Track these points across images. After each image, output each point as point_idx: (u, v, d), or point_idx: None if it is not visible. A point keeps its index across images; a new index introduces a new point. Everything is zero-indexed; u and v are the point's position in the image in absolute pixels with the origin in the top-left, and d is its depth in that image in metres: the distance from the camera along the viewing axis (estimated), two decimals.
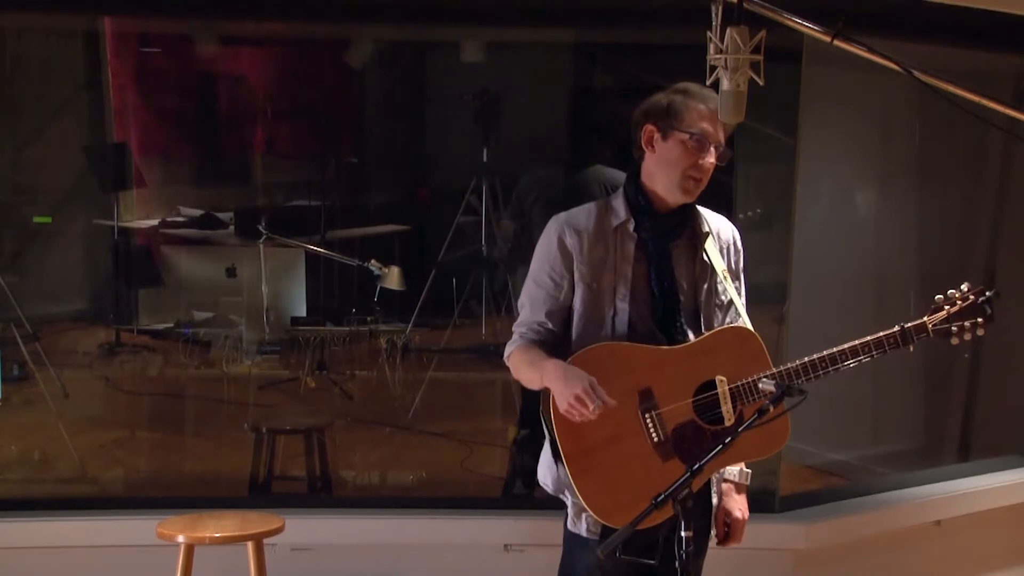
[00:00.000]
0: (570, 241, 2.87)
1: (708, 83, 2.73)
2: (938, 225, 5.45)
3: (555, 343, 2.89)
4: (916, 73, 2.59)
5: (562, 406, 2.69)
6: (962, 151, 5.31)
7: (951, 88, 2.61)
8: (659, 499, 2.45)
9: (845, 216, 5.59)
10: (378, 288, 5.90)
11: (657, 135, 2.86)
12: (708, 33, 2.70)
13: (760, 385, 2.72)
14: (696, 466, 2.48)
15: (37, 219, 6.39)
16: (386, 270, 5.77)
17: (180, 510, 3.92)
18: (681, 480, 2.46)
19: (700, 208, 2.96)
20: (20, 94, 6.20)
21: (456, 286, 6.18)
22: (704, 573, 3.00)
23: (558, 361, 2.76)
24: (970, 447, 5.48)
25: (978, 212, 5.46)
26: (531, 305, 2.92)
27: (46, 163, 6.50)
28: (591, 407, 2.63)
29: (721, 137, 2.84)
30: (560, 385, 2.70)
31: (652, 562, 2.77)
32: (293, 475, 5.01)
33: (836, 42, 2.61)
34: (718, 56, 2.68)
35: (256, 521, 3.78)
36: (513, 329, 2.95)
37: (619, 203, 2.90)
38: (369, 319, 6.23)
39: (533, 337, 2.89)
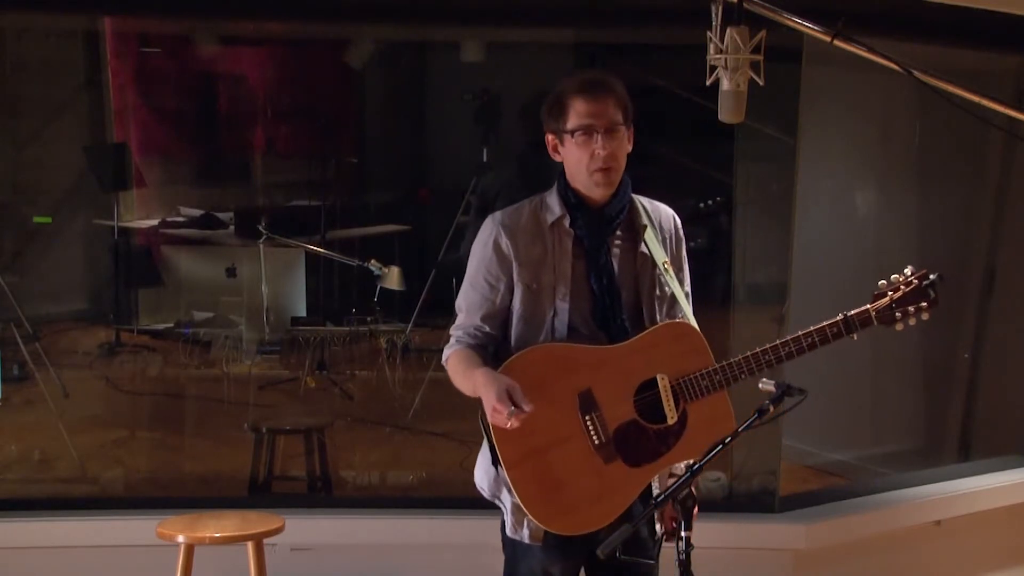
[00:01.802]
0: (505, 242, 2.82)
1: (708, 83, 2.73)
2: (938, 225, 5.45)
3: (493, 346, 2.85)
4: (916, 73, 2.60)
5: (490, 417, 2.66)
6: (962, 151, 5.31)
7: (951, 88, 2.62)
8: (659, 499, 2.46)
9: (845, 216, 5.60)
10: (378, 288, 5.89)
11: (556, 141, 2.83)
12: (708, 33, 2.71)
13: (760, 385, 2.71)
14: (696, 466, 2.48)
15: (37, 219, 6.38)
16: (386, 270, 5.77)
17: (180, 510, 3.92)
18: (681, 480, 2.46)
19: (639, 198, 2.90)
20: (20, 94, 6.19)
21: (456, 286, 6.17)
22: (704, 573, 3.00)
23: (486, 370, 2.70)
24: (970, 447, 5.48)
25: (978, 212, 5.46)
26: (467, 308, 2.87)
27: (46, 163, 6.49)
28: (505, 415, 2.58)
29: (611, 117, 2.75)
30: (483, 394, 2.67)
31: (652, 561, 2.78)
32: (293, 475, 5.00)
33: (836, 42, 2.61)
34: (718, 56, 2.69)
35: (256, 521, 3.78)
36: (450, 332, 2.89)
37: (553, 199, 2.85)
38: (369, 319, 6.22)
39: (469, 342, 2.83)
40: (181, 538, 3.65)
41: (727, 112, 2.74)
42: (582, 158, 2.76)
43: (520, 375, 2.69)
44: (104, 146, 6.77)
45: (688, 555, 2.49)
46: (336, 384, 6.07)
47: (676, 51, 4.48)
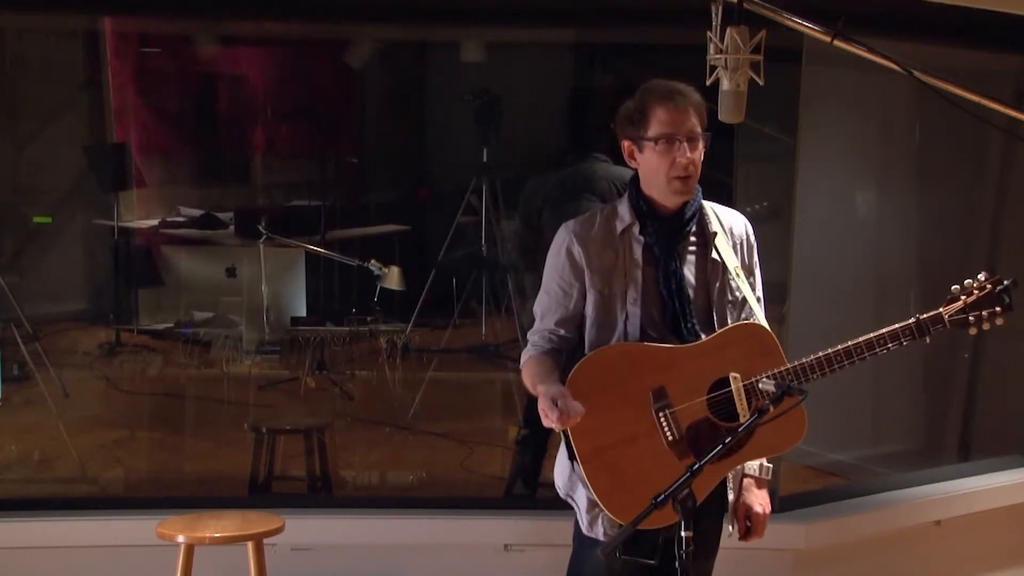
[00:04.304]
0: (577, 250, 2.89)
1: (708, 83, 2.74)
2: (938, 225, 5.45)
3: (569, 349, 2.92)
4: (916, 73, 2.60)
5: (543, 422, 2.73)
6: (962, 151, 5.31)
7: (951, 88, 2.62)
8: (659, 499, 2.45)
9: (845, 216, 5.59)
10: (378, 288, 5.89)
11: (634, 148, 2.87)
12: (708, 33, 2.71)
13: (760, 385, 2.73)
14: (696, 466, 2.48)
15: (37, 219, 6.39)
16: (386, 270, 5.77)
17: (180, 510, 3.92)
18: (680, 480, 2.46)
19: (710, 204, 2.95)
20: (20, 94, 6.20)
21: (456, 286, 6.19)
22: None
23: (548, 387, 2.75)
24: (970, 447, 5.48)
25: (978, 212, 5.46)
26: (542, 313, 2.96)
27: (46, 163, 6.50)
28: (553, 418, 2.65)
29: (692, 125, 2.80)
30: (539, 400, 2.75)
31: (652, 562, 2.78)
32: (293, 475, 5.01)
33: (836, 42, 2.62)
34: (718, 56, 2.69)
35: (256, 521, 3.78)
36: (528, 337, 2.98)
37: (624, 208, 2.92)
38: (369, 319, 6.23)
39: (545, 346, 2.92)
40: (181, 538, 3.65)
41: (727, 112, 2.75)
42: (661, 165, 2.81)
43: (594, 372, 2.78)
44: (104, 146, 6.78)
45: (688, 555, 2.49)
46: (336, 384, 6.07)
47: (676, 51, 4.48)
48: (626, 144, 2.88)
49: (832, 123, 5.20)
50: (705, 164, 2.87)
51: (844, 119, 5.33)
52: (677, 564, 2.50)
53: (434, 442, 5.64)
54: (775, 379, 2.75)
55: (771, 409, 2.48)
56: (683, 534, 2.48)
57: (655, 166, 2.82)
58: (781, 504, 4.47)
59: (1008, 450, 5.24)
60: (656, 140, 2.80)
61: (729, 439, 2.51)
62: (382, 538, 4.37)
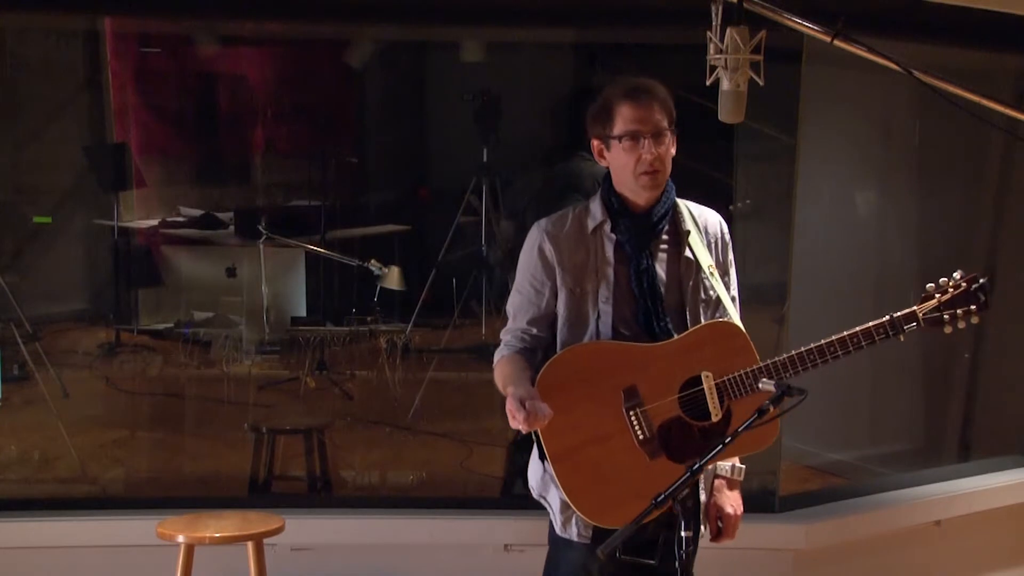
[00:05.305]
0: (549, 249, 2.88)
1: (708, 83, 2.74)
2: (938, 225, 5.45)
3: (542, 348, 2.91)
4: (916, 73, 2.60)
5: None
6: (962, 151, 5.31)
7: (951, 88, 2.62)
8: (660, 499, 2.45)
9: (845, 216, 5.60)
10: (378, 288, 5.89)
11: (602, 147, 2.87)
12: (708, 33, 2.71)
13: (760, 385, 2.72)
14: (696, 466, 2.48)
15: (37, 219, 6.38)
16: (386, 270, 5.78)
17: (180, 510, 3.92)
18: (681, 480, 2.46)
19: (684, 203, 2.94)
20: (20, 94, 6.19)
21: (456, 286, 6.18)
22: (703, 573, 3.00)
23: (516, 388, 2.74)
24: (970, 447, 5.48)
25: (978, 212, 5.46)
26: (515, 312, 2.95)
27: (46, 163, 6.49)
28: (519, 419, 2.63)
29: (657, 121, 2.79)
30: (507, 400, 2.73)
31: (652, 562, 2.78)
32: (293, 475, 5.01)
33: (836, 42, 2.62)
34: (718, 56, 2.70)
35: (256, 521, 3.78)
36: (501, 336, 2.97)
37: (596, 206, 2.91)
38: (369, 319, 6.23)
39: (518, 345, 2.90)
40: (181, 538, 3.65)
41: (727, 112, 2.75)
42: (628, 163, 2.80)
43: (565, 371, 2.77)
44: (104, 146, 6.77)
45: (689, 555, 2.49)
46: (336, 384, 6.07)
47: (676, 51, 4.48)
48: (595, 143, 2.89)
49: (832, 123, 5.21)
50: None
51: (844, 119, 5.34)
52: (676, 564, 2.50)
53: (434, 442, 5.64)
54: (748, 377, 2.74)
55: (771, 408, 2.48)
56: (683, 534, 2.48)
57: (623, 163, 2.82)
58: (781, 504, 4.47)
59: (1008, 450, 5.24)
60: (621, 138, 2.80)
61: (729, 439, 2.51)
62: (382, 538, 4.37)
